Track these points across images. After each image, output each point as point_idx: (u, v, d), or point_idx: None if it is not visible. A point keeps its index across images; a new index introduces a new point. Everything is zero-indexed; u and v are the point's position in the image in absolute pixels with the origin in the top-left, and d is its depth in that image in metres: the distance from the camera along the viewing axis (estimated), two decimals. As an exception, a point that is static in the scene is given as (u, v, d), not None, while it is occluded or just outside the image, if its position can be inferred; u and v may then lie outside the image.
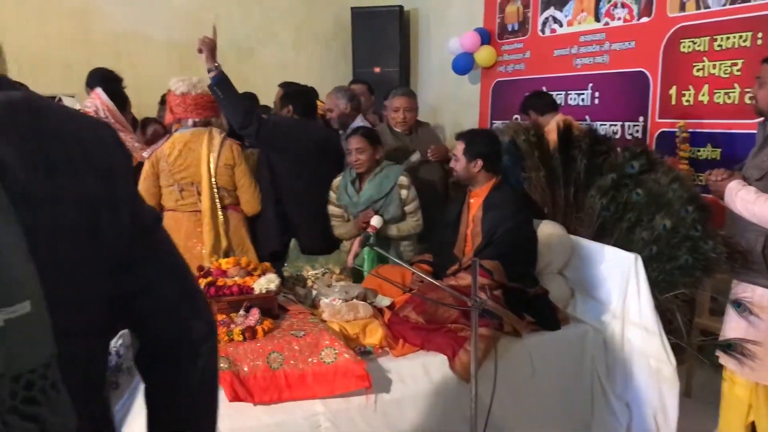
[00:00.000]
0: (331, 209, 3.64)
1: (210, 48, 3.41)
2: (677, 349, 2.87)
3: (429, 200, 3.67)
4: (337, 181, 3.62)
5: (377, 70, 6.24)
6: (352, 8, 6.37)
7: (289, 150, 3.63)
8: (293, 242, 3.30)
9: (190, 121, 3.41)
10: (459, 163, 3.09)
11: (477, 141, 3.09)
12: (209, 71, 3.41)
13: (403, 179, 3.49)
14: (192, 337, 1.01)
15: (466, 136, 3.14)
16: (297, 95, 3.85)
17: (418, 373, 2.52)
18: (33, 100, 0.87)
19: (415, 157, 3.93)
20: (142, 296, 0.98)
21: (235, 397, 2.18)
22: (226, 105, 3.46)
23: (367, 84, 5.03)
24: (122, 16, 5.57)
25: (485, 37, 5.60)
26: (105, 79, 4.16)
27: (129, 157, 0.99)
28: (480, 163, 3.04)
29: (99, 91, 3.35)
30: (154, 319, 0.99)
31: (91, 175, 0.88)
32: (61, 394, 0.79)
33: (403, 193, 3.48)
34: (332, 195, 3.62)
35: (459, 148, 3.09)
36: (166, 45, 5.70)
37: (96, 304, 0.92)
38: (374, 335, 2.63)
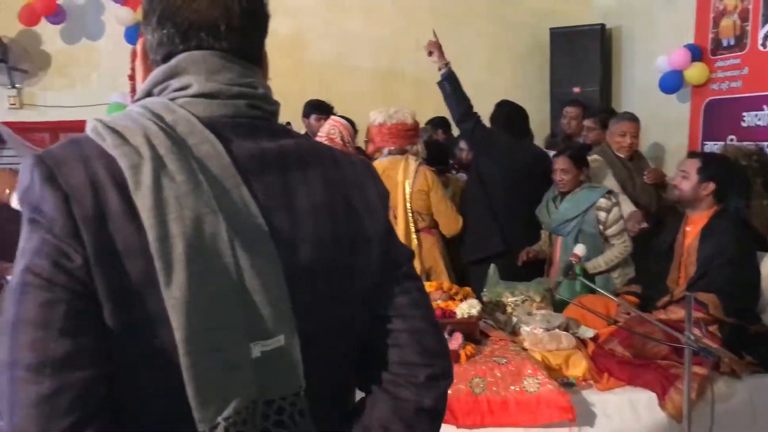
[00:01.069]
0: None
1: (438, 48, 3.77)
2: None
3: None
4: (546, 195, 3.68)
5: (577, 90, 6.07)
6: (550, 29, 6.28)
7: (500, 161, 3.74)
8: (492, 267, 3.31)
9: (387, 149, 3.57)
10: (688, 182, 2.91)
11: (714, 163, 2.94)
12: (440, 69, 3.76)
13: (603, 201, 3.39)
14: (431, 374, 0.98)
15: (703, 156, 3.02)
16: (503, 118, 3.90)
17: (625, 409, 2.43)
18: (302, 147, 0.95)
19: None
20: (385, 333, 0.98)
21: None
22: (451, 99, 3.75)
23: (581, 106, 4.82)
24: (329, 47, 5.94)
25: (696, 53, 5.26)
26: (319, 109, 4.52)
27: (385, 195, 1.02)
28: (712, 186, 2.87)
29: (338, 118, 3.67)
30: (397, 352, 0.98)
31: (348, 216, 0.94)
32: (307, 421, 0.86)
33: (602, 215, 3.37)
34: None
35: (692, 165, 2.92)
36: (370, 73, 5.98)
37: (348, 338, 0.97)
38: (578, 367, 2.57)
